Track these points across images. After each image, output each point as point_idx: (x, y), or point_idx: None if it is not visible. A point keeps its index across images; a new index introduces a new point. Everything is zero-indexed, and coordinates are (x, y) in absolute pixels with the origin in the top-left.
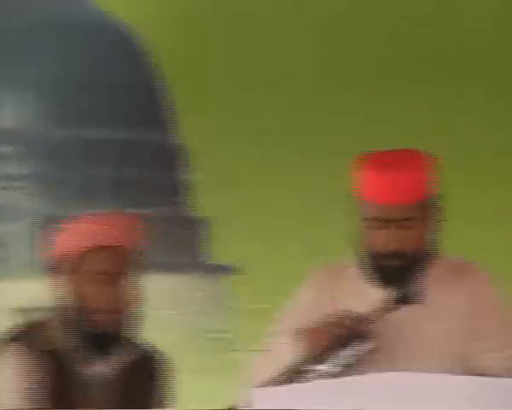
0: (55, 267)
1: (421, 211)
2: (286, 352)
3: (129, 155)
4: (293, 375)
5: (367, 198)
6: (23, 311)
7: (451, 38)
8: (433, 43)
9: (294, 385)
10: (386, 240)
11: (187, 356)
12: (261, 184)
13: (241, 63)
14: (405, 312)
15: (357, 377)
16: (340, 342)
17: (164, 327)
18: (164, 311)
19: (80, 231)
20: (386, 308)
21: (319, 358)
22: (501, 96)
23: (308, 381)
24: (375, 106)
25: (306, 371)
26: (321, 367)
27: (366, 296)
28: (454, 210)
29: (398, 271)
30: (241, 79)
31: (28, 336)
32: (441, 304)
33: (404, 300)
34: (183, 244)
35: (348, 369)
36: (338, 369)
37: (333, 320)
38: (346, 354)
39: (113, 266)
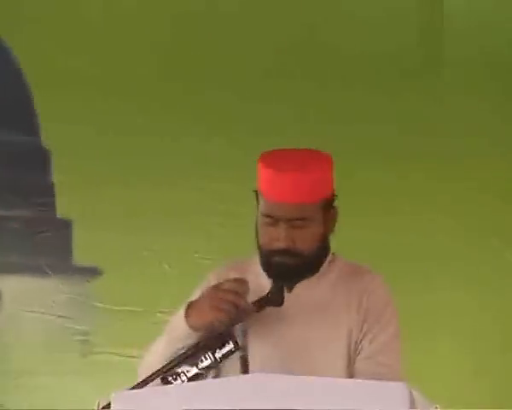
0: None
1: (317, 211)
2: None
3: None
4: (164, 376)
5: (263, 194)
6: None
7: None
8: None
9: (157, 388)
10: (275, 237)
11: (51, 359)
12: (123, 185)
13: (102, 61)
14: (286, 311)
15: (225, 379)
16: (228, 320)
17: (27, 330)
18: (27, 313)
19: None
20: (258, 306)
21: (189, 359)
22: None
23: (178, 382)
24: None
25: (177, 373)
26: (188, 369)
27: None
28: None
29: (290, 269)
30: (102, 78)
31: None
32: (331, 305)
33: (270, 301)
34: (45, 246)
35: (214, 371)
36: (204, 371)
37: (219, 293)
38: (213, 356)
39: None
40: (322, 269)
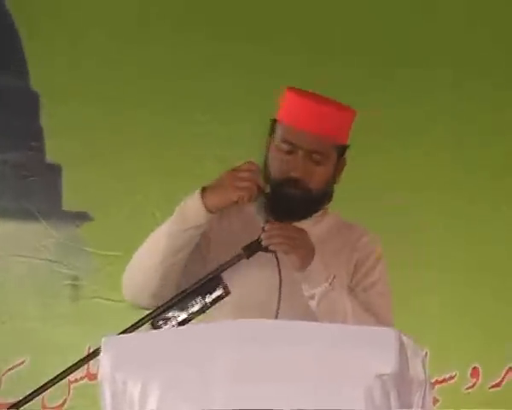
0: None
1: (332, 152)
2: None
3: None
4: (154, 321)
5: (285, 120)
6: None
7: None
8: None
9: (146, 332)
10: (291, 166)
11: (40, 303)
12: (113, 129)
13: (95, 7)
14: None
15: (212, 323)
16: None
17: (16, 274)
18: (16, 257)
19: None
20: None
21: (179, 304)
22: None
23: (168, 327)
24: None
25: (167, 318)
26: (178, 313)
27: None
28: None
29: (295, 203)
30: (99, 21)
31: None
32: (323, 251)
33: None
34: (34, 190)
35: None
36: (194, 316)
37: (239, 174)
38: (203, 301)
39: None
40: (318, 214)
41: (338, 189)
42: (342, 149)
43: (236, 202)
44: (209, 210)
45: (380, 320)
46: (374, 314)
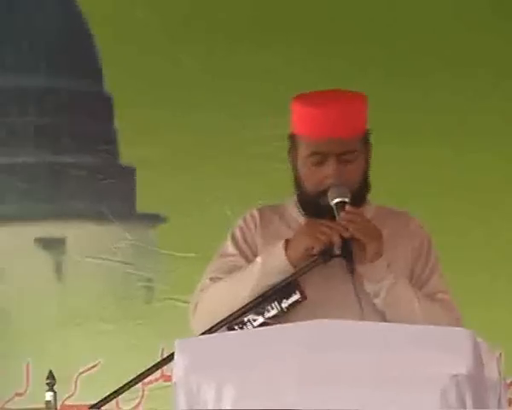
0: None
1: (360, 144)
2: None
3: (52, 103)
4: (231, 326)
5: (308, 135)
6: None
7: None
8: None
9: (219, 334)
10: (324, 175)
11: (114, 305)
12: (186, 131)
13: (166, 12)
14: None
15: (289, 325)
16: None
17: (91, 276)
18: (91, 260)
19: None
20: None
21: (256, 308)
22: None
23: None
24: None
25: (243, 322)
26: (255, 317)
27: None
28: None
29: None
30: (168, 27)
31: None
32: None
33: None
34: (109, 193)
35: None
36: (271, 321)
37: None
38: (279, 306)
39: None
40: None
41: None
42: (367, 136)
43: (312, 250)
44: (293, 264)
45: (444, 306)
46: (439, 300)
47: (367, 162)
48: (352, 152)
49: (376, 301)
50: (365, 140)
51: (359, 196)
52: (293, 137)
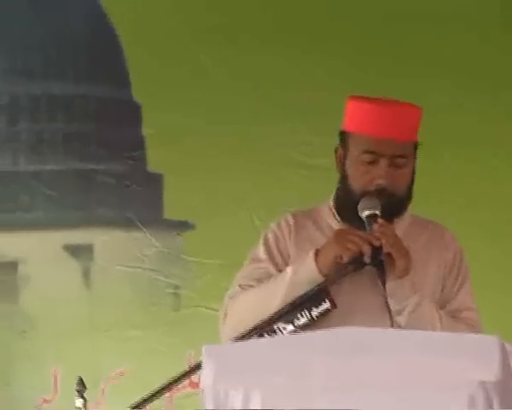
0: None
1: (412, 151)
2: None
3: (80, 110)
4: (261, 333)
5: (364, 131)
6: None
7: None
8: None
9: (247, 341)
10: (375, 175)
11: (141, 312)
12: (214, 138)
13: (193, 18)
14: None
15: (318, 332)
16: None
17: (118, 283)
18: (118, 267)
19: None
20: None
21: (286, 316)
22: None
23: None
24: None
25: (273, 330)
26: (285, 325)
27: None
28: None
29: (382, 210)
30: (193, 33)
31: None
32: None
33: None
34: (136, 199)
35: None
36: (301, 329)
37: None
38: (309, 314)
39: None
40: (402, 217)
41: None
42: (416, 147)
43: (341, 259)
44: (323, 274)
45: (468, 324)
46: (463, 319)
47: (413, 172)
48: (403, 157)
49: (398, 318)
50: (415, 149)
51: (403, 204)
52: (343, 135)
